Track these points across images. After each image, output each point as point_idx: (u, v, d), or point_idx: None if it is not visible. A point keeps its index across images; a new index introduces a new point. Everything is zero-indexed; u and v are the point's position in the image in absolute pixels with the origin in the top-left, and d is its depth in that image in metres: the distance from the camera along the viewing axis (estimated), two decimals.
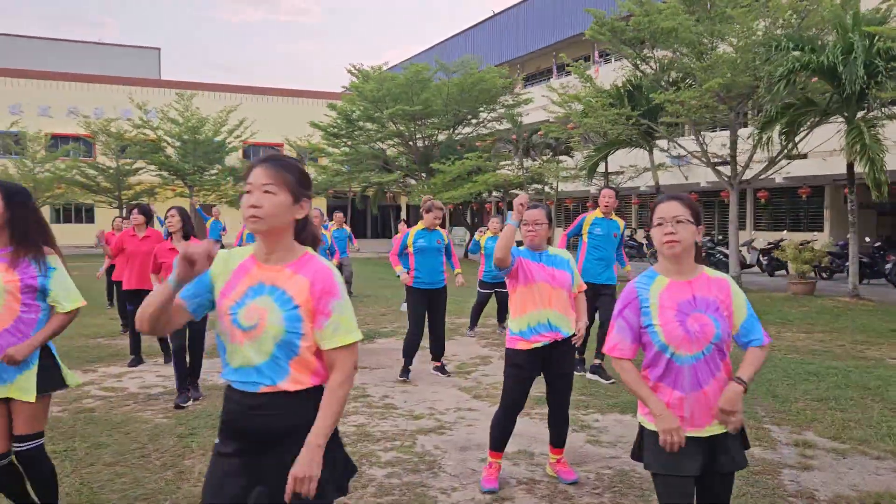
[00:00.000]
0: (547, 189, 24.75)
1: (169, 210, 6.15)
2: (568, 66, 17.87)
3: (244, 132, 33.97)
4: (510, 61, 34.90)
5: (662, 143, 17.82)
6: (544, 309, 4.16)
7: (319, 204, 41.79)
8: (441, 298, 7.29)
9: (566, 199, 29.87)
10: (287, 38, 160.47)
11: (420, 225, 7.33)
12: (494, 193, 28.06)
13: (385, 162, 28.50)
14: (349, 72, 27.83)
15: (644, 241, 23.50)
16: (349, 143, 28.22)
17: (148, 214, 7.71)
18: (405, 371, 7.14)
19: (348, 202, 36.33)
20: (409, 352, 7.17)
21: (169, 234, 6.26)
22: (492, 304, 10.12)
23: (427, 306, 7.25)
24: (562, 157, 23.00)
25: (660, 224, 2.68)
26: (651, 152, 17.84)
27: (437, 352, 7.39)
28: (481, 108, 27.18)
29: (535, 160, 24.20)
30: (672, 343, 2.65)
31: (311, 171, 33.30)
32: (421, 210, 7.56)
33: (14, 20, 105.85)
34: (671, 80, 16.15)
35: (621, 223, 7.43)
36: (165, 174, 33.07)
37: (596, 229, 7.27)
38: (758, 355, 2.68)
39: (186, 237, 6.13)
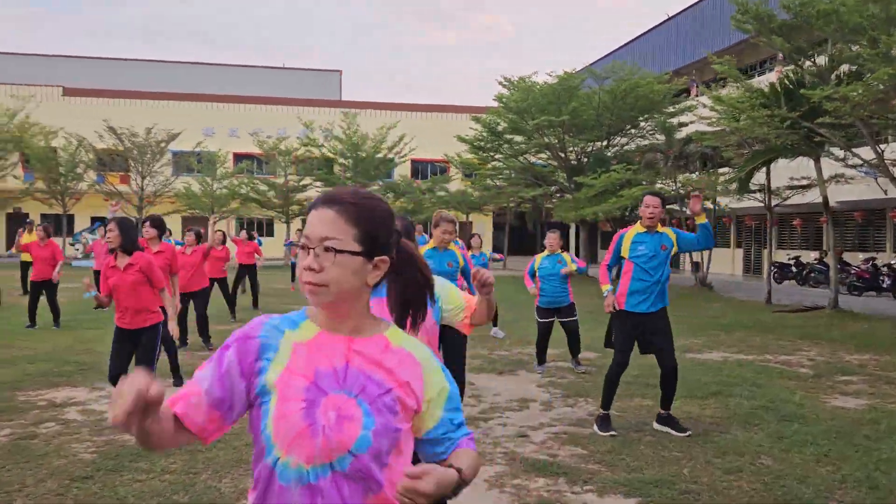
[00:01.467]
0: (708, 204, 22.21)
1: (108, 223, 5.56)
2: (714, 62, 15.64)
3: (404, 148, 34.41)
4: (682, 68, 32.26)
5: (836, 151, 15.07)
6: None
7: (484, 221, 41.39)
8: (457, 335, 6.08)
9: (746, 217, 26.86)
10: (478, 56, 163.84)
11: (430, 243, 6.17)
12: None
13: (534, 176, 27.28)
14: (500, 83, 27.04)
15: (822, 265, 20.27)
16: (496, 156, 27.36)
17: (161, 227, 7.37)
18: None
19: (509, 217, 35.51)
20: None
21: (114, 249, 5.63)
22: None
23: (440, 345, 6.09)
24: (721, 169, 20.45)
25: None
26: (817, 161, 15.10)
27: None
28: (641, 118, 25.18)
29: (691, 172, 21.78)
30: (279, 441, 1.43)
31: (464, 186, 32.93)
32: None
33: (209, 49, 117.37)
34: (840, 74, 13.52)
35: (672, 235, 5.85)
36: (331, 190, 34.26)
37: (640, 248, 5.76)
38: (472, 455, 1.52)
39: (128, 252, 5.51)
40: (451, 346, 5.97)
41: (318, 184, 34.20)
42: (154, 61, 48.80)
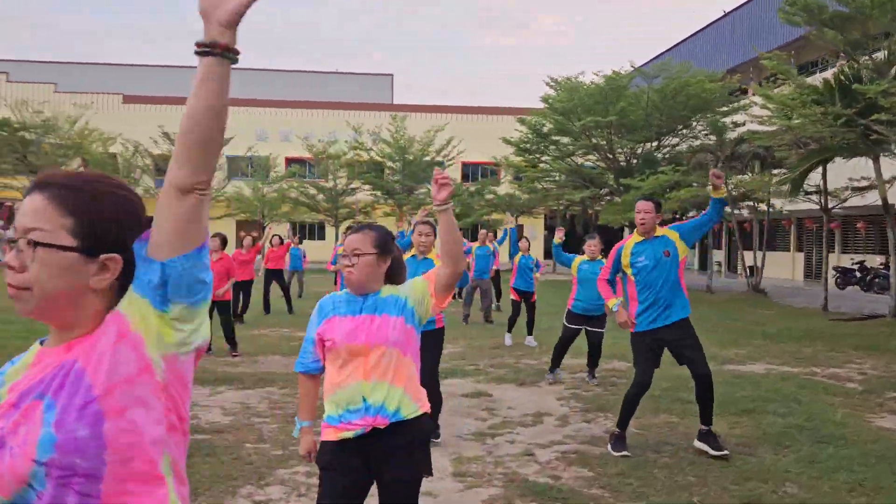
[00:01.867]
0: (761, 207, 21.34)
1: None
2: (762, 56, 14.89)
3: (451, 151, 34.21)
4: (739, 66, 31.12)
5: None
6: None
7: (535, 224, 40.88)
8: (432, 342, 5.71)
9: (806, 220, 25.72)
10: (538, 59, 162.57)
11: (411, 250, 5.85)
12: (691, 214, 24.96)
13: (583, 178, 26.70)
14: (547, 84, 26.54)
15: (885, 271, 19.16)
16: (542, 158, 26.88)
17: (223, 241, 9.25)
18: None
19: (558, 220, 34.96)
20: None
21: None
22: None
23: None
24: (776, 170, 19.55)
25: None
26: (876, 160, 14.22)
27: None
28: (693, 117, 24.34)
29: (743, 173, 20.89)
30: None
31: (512, 188, 32.51)
32: None
33: (267, 56, 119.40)
34: None
35: (674, 234, 5.45)
36: (379, 193, 34.31)
37: (640, 259, 5.38)
38: None
39: None
40: (426, 347, 5.67)
41: (367, 187, 34.29)
42: None
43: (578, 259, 8.17)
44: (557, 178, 28.62)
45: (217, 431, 5.76)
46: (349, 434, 2.67)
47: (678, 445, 5.57)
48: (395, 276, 2.90)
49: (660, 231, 5.50)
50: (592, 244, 8.09)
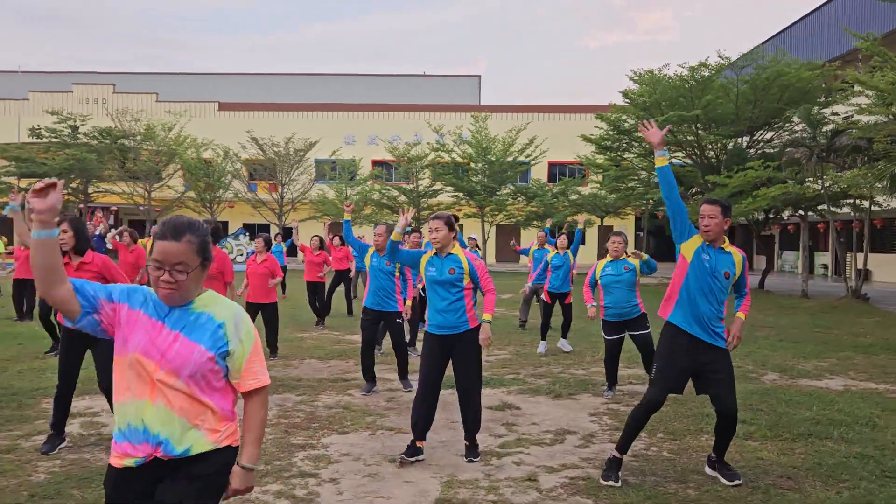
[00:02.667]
0: (864, 204, 19.57)
1: (61, 225, 5.27)
2: (855, 35, 13.48)
3: (534, 150, 33.47)
4: (845, 55, 28.84)
5: None
6: None
7: (626, 224, 39.42)
8: (462, 348, 5.22)
9: None
10: (643, 56, 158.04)
11: (430, 251, 5.40)
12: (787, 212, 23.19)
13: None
14: (630, 78, 25.38)
15: None
16: (625, 155, 25.73)
17: (268, 242, 9.39)
18: (408, 449, 5.23)
19: (641, 221, 33.57)
20: (413, 425, 5.26)
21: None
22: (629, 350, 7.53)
23: (440, 362, 5.29)
24: (879, 163, 17.80)
25: None
26: None
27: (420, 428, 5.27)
28: (789, 109, 22.62)
29: (840, 168, 19.15)
30: None
31: (595, 188, 31.40)
32: None
33: (353, 62, 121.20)
34: None
35: (739, 260, 4.83)
36: (461, 194, 33.98)
37: (704, 256, 4.73)
38: None
39: (81, 252, 5.24)
40: (457, 355, 5.19)
41: (449, 189, 34.02)
42: (302, 75, 50.99)
43: (600, 265, 7.45)
44: (643, 177, 27.37)
45: None
46: (130, 462, 2.32)
47: (710, 476, 4.83)
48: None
49: (727, 246, 4.78)
50: (616, 241, 7.36)
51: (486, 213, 33.78)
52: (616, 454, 4.73)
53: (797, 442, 5.68)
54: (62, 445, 5.23)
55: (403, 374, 7.57)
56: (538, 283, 12.25)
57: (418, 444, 5.18)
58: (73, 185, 33.88)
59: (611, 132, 25.06)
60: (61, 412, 5.22)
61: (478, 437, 5.68)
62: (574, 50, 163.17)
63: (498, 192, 33.63)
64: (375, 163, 40.37)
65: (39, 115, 37.25)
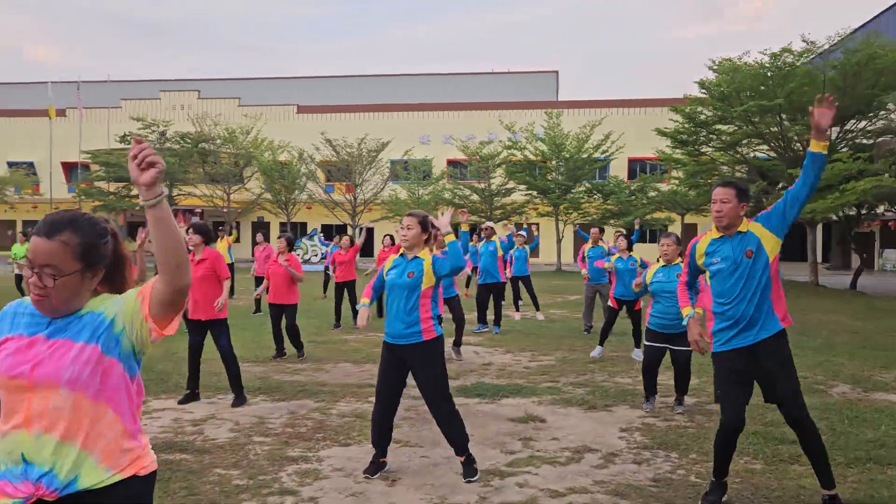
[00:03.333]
0: None
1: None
2: None
3: (611, 147, 32.46)
4: None
5: None
6: None
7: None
8: (416, 362, 4.79)
9: None
10: (739, 47, 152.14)
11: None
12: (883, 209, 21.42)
13: (757, 170, 23.92)
14: (710, 68, 24.08)
15: None
16: (703, 149, 24.47)
17: (290, 242, 9.20)
18: (370, 465, 4.86)
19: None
20: (373, 442, 4.90)
21: None
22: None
23: (394, 374, 4.87)
24: None
25: None
26: None
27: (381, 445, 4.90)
28: (885, 96, 20.88)
29: None
30: None
31: (673, 184, 30.08)
32: None
33: (423, 61, 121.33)
34: None
35: (760, 229, 4.23)
36: (535, 193, 33.33)
37: (714, 259, 4.34)
38: None
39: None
40: (413, 368, 4.77)
41: (522, 187, 33.42)
42: (380, 76, 51.38)
43: (651, 270, 6.82)
44: (725, 172, 25.96)
45: (202, 451, 5.25)
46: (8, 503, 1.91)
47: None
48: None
49: (745, 225, 4.21)
50: (666, 244, 6.70)
51: (560, 211, 33.00)
52: (713, 480, 4.30)
53: (852, 468, 4.97)
54: None
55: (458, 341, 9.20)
56: (597, 283, 11.65)
57: (381, 459, 4.83)
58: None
59: (686, 125, 23.86)
60: None
61: (488, 452, 5.27)
62: (667, 42, 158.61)
63: (573, 190, 32.78)
64: (450, 162, 40.17)
65: (128, 121, 38.90)
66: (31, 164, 43.83)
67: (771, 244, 4.16)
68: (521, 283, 13.52)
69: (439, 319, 4.87)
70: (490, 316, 12.19)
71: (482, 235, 12.00)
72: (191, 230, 6.82)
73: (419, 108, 44.08)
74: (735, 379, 4.19)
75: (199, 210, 40.18)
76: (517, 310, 14.10)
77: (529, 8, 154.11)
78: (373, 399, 6.97)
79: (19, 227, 37.89)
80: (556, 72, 51.91)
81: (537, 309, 13.70)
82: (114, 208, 34.91)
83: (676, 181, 29.34)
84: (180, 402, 6.67)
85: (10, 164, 43.33)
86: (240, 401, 6.69)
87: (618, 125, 35.03)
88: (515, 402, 6.96)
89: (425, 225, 4.87)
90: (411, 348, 4.72)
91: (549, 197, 32.18)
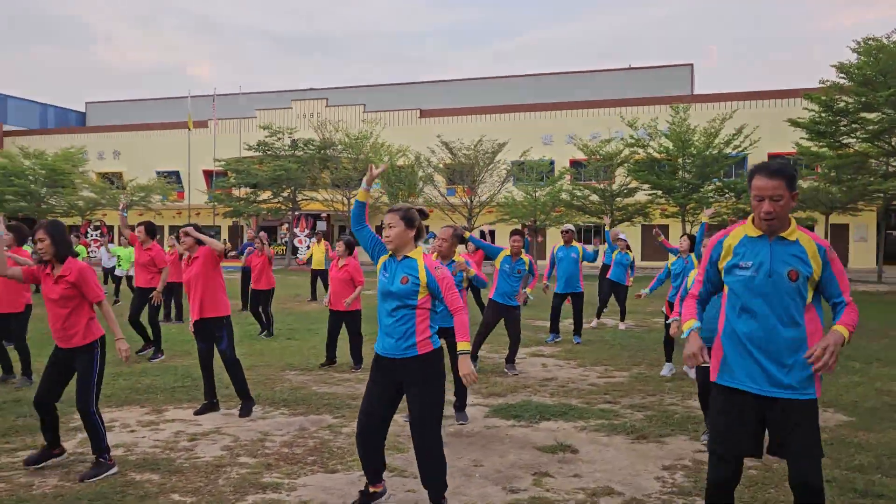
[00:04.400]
0: None
1: (37, 232, 4.84)
2: None
3: (744, 141, 30.04)
4: None
5: None
6: None
7: (867, 223, 34.09)
8: (413, 381, 4.07)
9: None
10: None
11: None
12: None
13: None
14: (853, 50, 21.56)
15: None
16: (845, 141, 21.94)
17: (349, 246, 8.72)
18: (360, 495, 4.25)
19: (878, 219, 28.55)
20: (364, 468, 4.24)
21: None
22: None
23: (383, 391, 4.17)
24: None
25: None
26: None
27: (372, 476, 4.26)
28: None
29: None
30: None
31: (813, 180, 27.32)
32: None
33: (547, 60, 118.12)
34: None
35: (814, 249, 3.26)
36: (660, 192, 31.48)
37: (741, 265, 3.35)
38: None
39: (61, 260, 4.79)
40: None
41: (646, 186, 31.66)
42: (502, 77, 50.82)
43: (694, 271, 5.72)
44: (873, 166, 23.22)
45: (174, 472, 4.84)
46: None
47: None
48: None
49: (793, 232, 3.22)
50: (685, 241, 5.56)
51: (687, 211, 30.94)
52: None
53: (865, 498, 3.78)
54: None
55: (511, 358, 8.54)
56: (566, 291, 10.75)
57: (371, 488, 4.17)
58: (284, 193, 36.44)
59: (823, 114, 21.46)
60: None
61: (487, 489, 4.53)
62: (821, 31, 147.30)
63: (702, 189, 30.62)
64: (573, 162, 38.79)
65: (258, 130, 40.59)
66: (176, 174, 46.82)
67: (816, 267, 3.17)
68: (614, 290, 12.46)
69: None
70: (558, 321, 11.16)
71: (483, 233, 11.05)
72: (341, 242, 8.44)
73: (542, 108, 42.99)
74: (734, 423, 3.25)
75: (324, 215, 41.38)
76: (598, 317, 12.99)
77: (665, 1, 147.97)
78: (398, 418, 6.39)
79: (167, 233, 40.53)
80: (691, 65, 49.06)
81: (622, 319, 12.64)
82: (241, 213, 36.49)
83: (817, 177, 26.63)
84: (196, 413, 6.36)
85: (158, 174, 46.49)
86: (247, 408, 6.32)
87: (752, 119, 32.42)
88: (556, 425, 6.11)
89: (410, 220, 4.16)
90: (405, 363, 4.04)
91: (674, 196, 30.22)
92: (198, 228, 6.59)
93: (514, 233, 8.68)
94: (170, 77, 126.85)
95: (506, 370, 8.49)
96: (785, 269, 3.14)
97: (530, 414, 6.44)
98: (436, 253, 6.61)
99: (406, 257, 4.08)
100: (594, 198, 32.86)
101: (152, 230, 9.19)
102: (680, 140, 30.28)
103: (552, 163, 37.33)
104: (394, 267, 4.09)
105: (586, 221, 34.20)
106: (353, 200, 36.48)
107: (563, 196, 32.75)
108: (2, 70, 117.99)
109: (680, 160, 30.70)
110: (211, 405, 6.48)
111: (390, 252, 4.15)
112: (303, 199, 37.08)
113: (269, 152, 36.28)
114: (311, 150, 36.13)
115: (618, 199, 32.77)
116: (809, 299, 3.17)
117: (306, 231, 35.64)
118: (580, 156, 36.16)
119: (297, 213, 37.10)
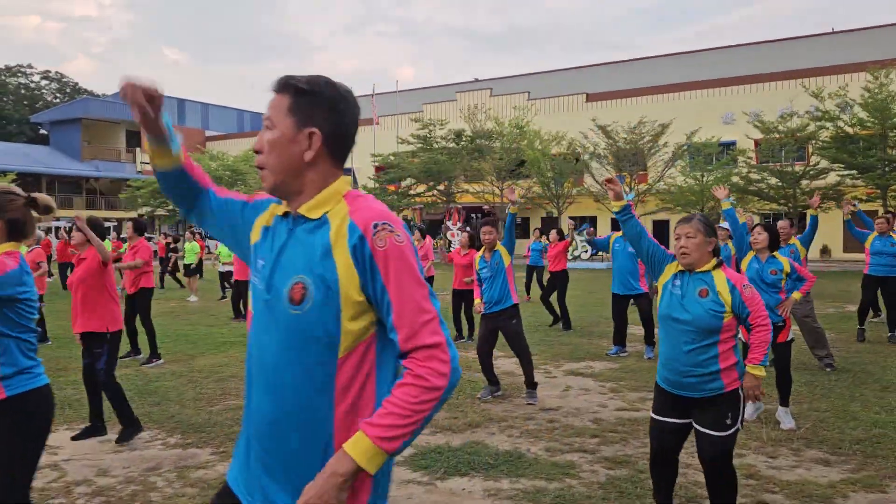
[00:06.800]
0: None
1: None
2: None
3: None
4: None
5: None
6: None
7: None
8: None
9: None
10: None
11: None
12: None
13: None
14: None
15: None
16: None
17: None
18: None
19: None
20: None
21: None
22: None
23: None
24: None
25: None
26: None
27: None
28: None
29: None
30: None
31: None
32: None
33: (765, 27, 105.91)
34: None
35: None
36: (855, 172, 26.85)
37: None
38: None
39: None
40: None
41: (836, 166, 27.12)
42: (682, 53, 46.76)
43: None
44: None
45: None
46: None
47: None
48: None
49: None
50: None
51: (889, 195, 26.08)
52: None
53: None
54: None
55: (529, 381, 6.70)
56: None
57: None
58: (440, 187, 36.02)
59: None
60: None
61: None
62: None
63: None
64: (759, 142, 34.24)
65: (411, 125, 40.44)
66: (348, 171, 48.37)
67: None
68: None
69: None
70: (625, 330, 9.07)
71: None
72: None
73: (722, 83, 38.72)
74: None
75: (487, 207, 40.40)
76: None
77: None
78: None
79: None
80: None
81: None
82: (394, 207, 36.59)
83: None
84: (74, 438, 5.49)
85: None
86: (128, 434, 5.37)
87: None
88: (467, 484, 4.47)
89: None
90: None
91: (871, 176, 25.55)
92: (93, 221, 5.67)
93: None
94: (376, 78, 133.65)
95: (524, 397, 6.73)
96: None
97: (446, 466, 4.81)
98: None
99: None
100: (773, 180, 28.78)
101: (140, 228, 8.56)
102: (878, 110, 25.49)
103: (732, 143, 33.29)
104: None
105: (763, 209, 30.12)
106: (504, 192, 34.94)
107: (734, 179, 28.98)
108: (235, 86, 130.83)
109: (879, 133, 25.86)
110: (95, 428, 5.57)
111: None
112: (457, 192, 36.43)
113: (421, 145, 36.06)
114: (464, 142, 35.34)
115: (804, 181, 28.44)
116: None
117: (458, 224, 34.94)
118: (758, 136, 31.88)
119: (450, 206, 36.54)
